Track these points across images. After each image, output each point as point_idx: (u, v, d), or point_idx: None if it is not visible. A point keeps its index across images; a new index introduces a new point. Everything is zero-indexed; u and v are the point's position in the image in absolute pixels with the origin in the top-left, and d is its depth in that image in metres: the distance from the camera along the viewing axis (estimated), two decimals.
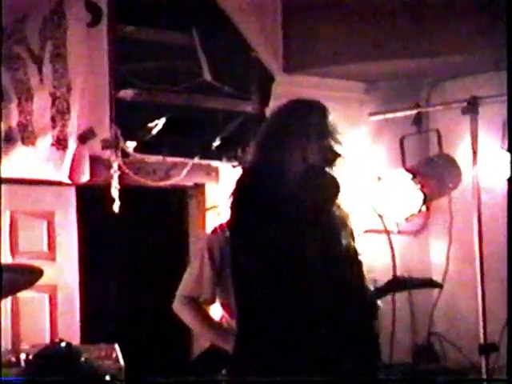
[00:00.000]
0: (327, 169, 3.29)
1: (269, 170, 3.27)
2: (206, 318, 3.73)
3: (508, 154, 5.31)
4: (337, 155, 3.28)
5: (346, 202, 3.36)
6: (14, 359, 4.32)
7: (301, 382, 3.10)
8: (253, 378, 3.13)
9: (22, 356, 4.32)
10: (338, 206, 3.32)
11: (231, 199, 3.39)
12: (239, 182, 3.38)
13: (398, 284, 4.12)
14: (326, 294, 3.18)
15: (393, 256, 5.53)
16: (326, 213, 3.27)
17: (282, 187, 3.24)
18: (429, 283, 4.44)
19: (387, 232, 5.52)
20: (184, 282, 3.86)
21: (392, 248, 5.57)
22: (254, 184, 3.31)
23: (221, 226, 3.79)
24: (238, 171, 4.15)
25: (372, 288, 3.76)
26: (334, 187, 3.29)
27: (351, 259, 3.30)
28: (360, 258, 3.36)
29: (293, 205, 3.22)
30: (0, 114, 4.66)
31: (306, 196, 3.24)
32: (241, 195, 3.34)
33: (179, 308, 3.82)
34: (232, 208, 3.37)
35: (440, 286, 4.30)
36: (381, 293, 3.91)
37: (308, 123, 3.32)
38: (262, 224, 3.24)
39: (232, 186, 3.39)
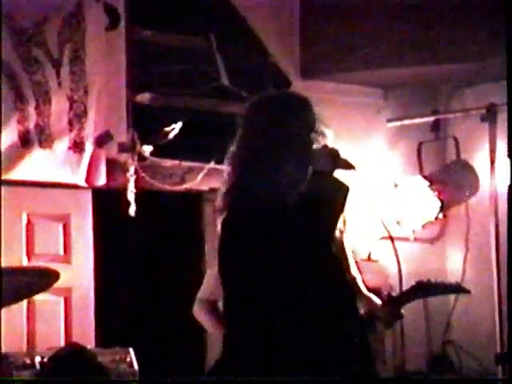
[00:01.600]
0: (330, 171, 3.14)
1: (263, 173, 3.09)
2: (220, 321, 3.92)
3: None
4: (337, 155, 3.15)
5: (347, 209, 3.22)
6: (28, 361, 4.38)
7: (300, 382, 3.06)
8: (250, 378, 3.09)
9: (37, 358, 4.36)
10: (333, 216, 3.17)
11: (222, 203, 3.20)
12: (231, 184, 3.18)
13: (423, 289, 4.05)
14: (310, 302, 3.09)
15: (398, 263, 5.55)
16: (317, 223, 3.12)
17: (276, 193, 3.07)
18: (456, 289, 4.37)
19: (391, 238, 5.56)
20: (202, 287, 4.14)
21: (397, 255, 5.56)
22: (245, 187, 3.13)
23: None
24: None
25: (394, 294, 3.70)
26: (340, 191, 3.15)
27: (338, 269, 3.18)
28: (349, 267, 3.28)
29: (288, 213, 3.07)
30: (0, 118, 4.69)
31: (309, 204, 3.09)
32: (232, 199, 3.15)
33: (197, 310, 4.10)
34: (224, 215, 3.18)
35: (468, 291, 4.25)
36: (405, 299, 3.85)
37: (302, 120, 3.16)
38: (253, 230, 3.10)
39: (222, 188, 3.21)
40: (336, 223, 3.13)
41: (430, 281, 4.01)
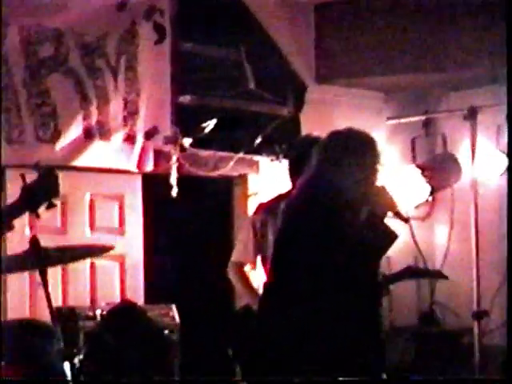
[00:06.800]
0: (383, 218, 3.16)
1: (329, 183, 3.19)
2: (247, 283, 4.04)
3: (503, 155, 5.52)
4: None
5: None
6: (91, 314, 4.58)
7: (300, 382, 3.05)
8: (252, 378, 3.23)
9: (98, 311, 4.56)
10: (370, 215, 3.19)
11: (293, 199, 3.33)
12: (303, 187, 3.31)
13: (411, 273, 4.19)
14: (343, 287, 3.15)
15: (415, 241, 5.55)
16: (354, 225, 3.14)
17: (335, 198, 3.17)
18: (437, 275, 4.51)
19: (408, 220, 5.52)
20: (234, 251, 4.19)
21: (412, 231, 5.50)
22: (312, 192, 3.24)
23: (260, 206, 4.15)
24: (277, 165, 4.17)
25: (387, 273, 3.88)
26: (387, 240, 3.17)
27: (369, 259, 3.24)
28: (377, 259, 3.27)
29: (341, 221, 3.14)
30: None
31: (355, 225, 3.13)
32: (300, 198, 3.30)
33: (229, 271, 4.12)
34: (290, 208, 3.33)
35: (446, 277, 4.38)
36: (396, 278, 4.02)
37: (365, 153, 3.23)
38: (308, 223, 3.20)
39: (297, 190, 3.36)
40: (378, 263, 3.19)
41: (418, 266, 4.16)
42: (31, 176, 3.17)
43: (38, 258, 3.40)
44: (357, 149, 3.23)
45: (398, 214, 3.23)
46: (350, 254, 3.12)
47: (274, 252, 3.36)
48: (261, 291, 3.84)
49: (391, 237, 3.18)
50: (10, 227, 3.15)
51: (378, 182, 3.23)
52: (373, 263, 3.19)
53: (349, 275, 3.13)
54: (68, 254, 3.74)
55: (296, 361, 3.13)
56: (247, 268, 4.06)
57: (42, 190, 3.10)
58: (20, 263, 3.55)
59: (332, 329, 3.12)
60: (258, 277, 4.07)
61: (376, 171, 3.22)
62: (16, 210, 3.15)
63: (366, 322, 3.18)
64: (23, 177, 3.15)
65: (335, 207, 3.15)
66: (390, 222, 3.29)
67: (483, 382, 4.49)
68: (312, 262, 3.15)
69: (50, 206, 3.13)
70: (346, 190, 3.16)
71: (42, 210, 3.16)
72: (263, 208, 4.07)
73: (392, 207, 3.21)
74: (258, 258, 4.03)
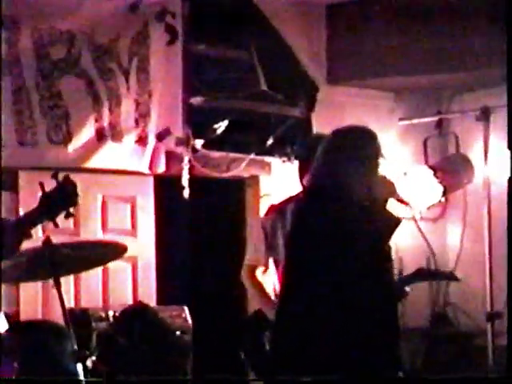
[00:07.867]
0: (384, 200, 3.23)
1: (334, 183, 3.28)
2: (259, 287, 4.02)
3: None
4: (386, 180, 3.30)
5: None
6: (104, 315, 4.57)
7: (307, 382, 3.07)
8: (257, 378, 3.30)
9: (111, 313, 4.55)
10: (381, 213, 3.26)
11: (303, 198, 3.44)
12: (309, 184, 3.44)
13: (422, 275, 4.25)
14: (359, 290, 3.19)
15: (426, 240, 5.58)
16: (367, 222, 3.21)
17: (342, 197, 3.26)
18: (449, 277, 4.52)
19: (415, 220, 5.59)
20: (247, 254, 4.18)
21: (422, 233, 5.58)
22: (319, 192, 3.34)
23: (271, 207, 4.16)
24: (289, 166, 4.20)
25: (399, 275, 3.92)
26: (392, 225, 3.24)
27: (384, 262, 3.31)
28: (390, 261, 3.33)
29: (347, 213, 3.23)
30: None
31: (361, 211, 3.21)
32: (309, 197, 3.41)
33: (243, 275, 4.11)
34: (299, 206, 3.45)
35: (458, 279, 4.39)
36: (408, 281, 4.04)
37: (366, 148, 3.31)
38: (320, 221, 3.27)
39: (303, 188, 3.49)
40: (383, 245, 3.25)
41: (430, 268, 4.17)
42: (48, 181, 3.15)
43: (52, 262, 3.42)
44: (357, 143, 3.32)
45: (398, 199, 3.34)
46: (359, 243, 3.19)
47: (287, 252, 3.41)
48: (273, 295, 3.92)
49: (395, 221, 3.26)
50: (28, 235, 3.17)
51: (379, 173, 3.31)
52: (382, 250, 3.24)
53: (362, 266, 3.19)
54: (81, 254, 3.73)
55: (320, 358, 3.17)
56: (259, 271, 4.05)
57: (61, 199, 3.13)
58: (32, 269, 3.56)
59: (352, 324, 3.18)
60: (270, 279, 4.06)
61: (377, 164, 3.30)
62: (34, 218, 3.16)
63: (383, 314, 3.23)
64: (42, 185, 3.16)
65: (340, 200, 3.24)
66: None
67: (487, 381, 4.41)
68: (325, 257, 3.21)
69: (68, 215, 3.14)
70: (349, 183, 3.25)
71: (59, 218, 3.16)
72: (274, 210, 4.08)
73: (393, 193, 3.29)
74: (270, 260, 4.03)
